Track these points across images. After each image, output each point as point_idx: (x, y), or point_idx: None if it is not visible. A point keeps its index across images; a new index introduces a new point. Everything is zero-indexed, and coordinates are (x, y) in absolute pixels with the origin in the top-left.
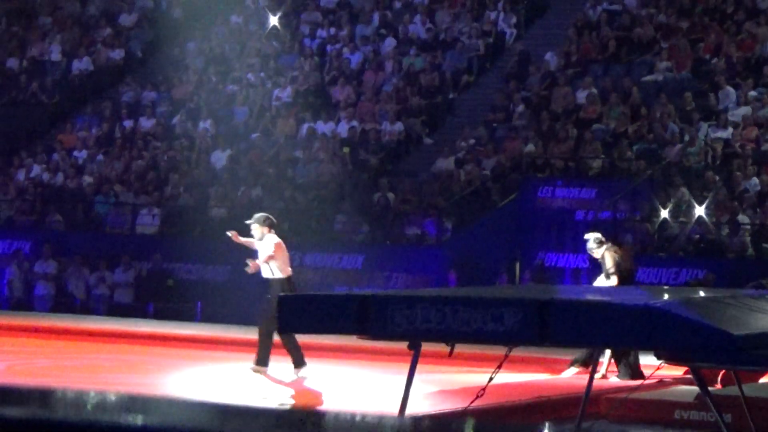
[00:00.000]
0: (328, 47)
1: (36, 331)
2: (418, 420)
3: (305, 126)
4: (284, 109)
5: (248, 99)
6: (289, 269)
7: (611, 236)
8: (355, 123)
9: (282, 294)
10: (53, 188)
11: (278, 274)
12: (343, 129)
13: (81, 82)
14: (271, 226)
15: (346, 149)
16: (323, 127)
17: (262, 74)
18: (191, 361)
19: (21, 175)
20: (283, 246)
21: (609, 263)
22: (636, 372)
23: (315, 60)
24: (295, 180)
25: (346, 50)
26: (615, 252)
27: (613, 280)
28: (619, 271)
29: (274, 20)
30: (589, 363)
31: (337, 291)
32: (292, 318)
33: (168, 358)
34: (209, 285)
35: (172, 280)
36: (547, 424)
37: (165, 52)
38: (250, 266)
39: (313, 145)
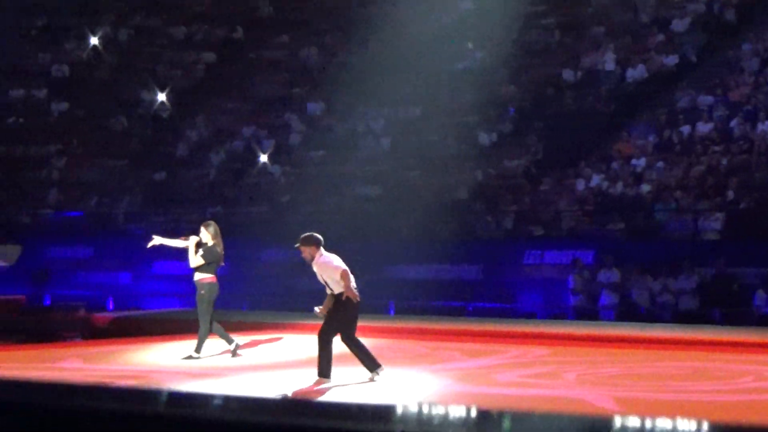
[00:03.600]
0: None
1: (602, 340)
2: None
3: None
4: None
5: None
6: None
7: None
8: None
9: None
10: (613, 197)
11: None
12: None
13: (635, 90)
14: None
15: None
16: None
17: None
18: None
19: (581, 185)
20: None
21: None
22: None
23: None
24: None
25: None
26: None
27: None
28: None
29: None
30: None
31: None
32: None
33: (739, 365)
34: None
35: (738, 284)
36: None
37: (719, 55)
38: None
39: None
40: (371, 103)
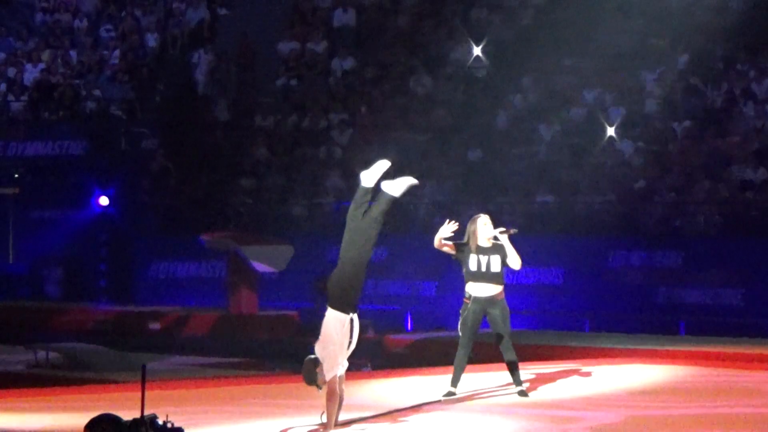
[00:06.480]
0: None
1: None
2: None
3: None
4: None
5: None
6: None
7: None
8: None
9: None
10: None
11: None
12: None
13: None
14: None
15: None
16: None
17: None
18: None
19: None
20: None
21: None
22: None
23: None
24: None
25: None
26: None
27: None
28: None
29: None
30: None
31: None
32: None
33: None
34: None
35: None
36: None
37: None
38: None
39: None
40: (755, 59)
